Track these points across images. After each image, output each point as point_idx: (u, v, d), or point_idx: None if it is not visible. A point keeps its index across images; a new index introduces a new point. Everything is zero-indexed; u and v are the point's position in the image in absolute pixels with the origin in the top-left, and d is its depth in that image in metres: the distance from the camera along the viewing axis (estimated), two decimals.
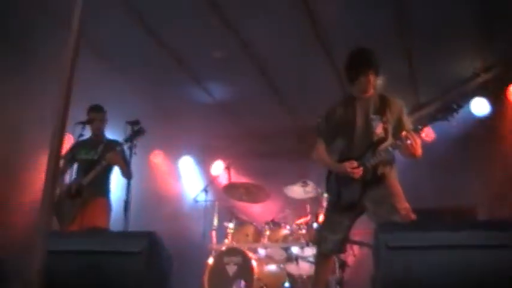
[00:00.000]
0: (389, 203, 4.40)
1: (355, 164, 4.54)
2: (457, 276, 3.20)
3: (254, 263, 6.33)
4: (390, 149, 4.48)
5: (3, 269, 4.78)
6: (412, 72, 7.49)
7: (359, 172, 4.51)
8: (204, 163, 9.71)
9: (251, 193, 7.61)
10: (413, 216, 4.31)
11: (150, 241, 3.77)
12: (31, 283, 3.01)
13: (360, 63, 4.61)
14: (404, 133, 4.43)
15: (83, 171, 5.79)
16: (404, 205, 4.41)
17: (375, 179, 4.51)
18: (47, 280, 3.04)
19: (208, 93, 8.28)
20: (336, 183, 4.70)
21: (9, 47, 6.21)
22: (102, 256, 3.80)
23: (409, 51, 7.04)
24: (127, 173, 5.54)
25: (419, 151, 4.46)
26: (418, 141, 4.40)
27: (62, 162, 5.95)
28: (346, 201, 4.61)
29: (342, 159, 4.71)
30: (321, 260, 4.87)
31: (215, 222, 7.50)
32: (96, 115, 6.04)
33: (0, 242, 5.74)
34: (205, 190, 7.96)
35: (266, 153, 9.33)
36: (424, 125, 4.45)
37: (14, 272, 4.48)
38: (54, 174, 3.33)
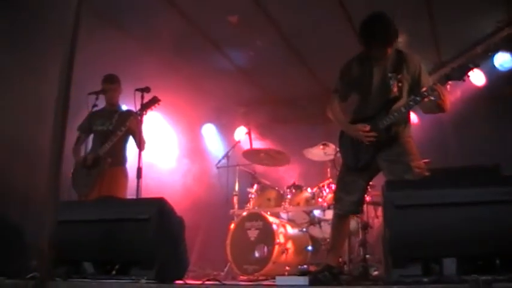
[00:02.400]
0: (403, 161, 4.34)
1: (367, 127, 4.46)
2: (464, 233, 3.15)
3: (275, 228, 6.32)
4: (403, 109, 4.39)
5: (23, 240, 4.87)
6: (433, 30, 7.31)
7: (370, 138, 4.43)
8: (226, 129, 9.71)
9: (272, 157, 7.59)
10: (427, 174, 4.24)
11: (160, 208, 3.80)
12: (43, 252, 3.08)
13: (372, 36, 4.41)
14: (425, 88, 4.33)
15: (99, 141, 5.81)
16: (418, 163, 4.34)
17: (388, 139, 4.43)
18: (60, 249, 3.10)
19: (229, 59, 8.25)
20: (349, 143, 4.63)
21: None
22: (112, 224, 3.85)
23: (430, 9, 6.87)
24: (141, 143, 5.53)
25: (446, 105, 4.37)
26: (446, 94, 4.30)
27: (77, 133, 6.01)
28: (359, 161, 4.55)
29: (356, 118, 4.64)
30: (337, 221, 4.82)
31: (237, 187, 7.52)
32: (110, 85, 6.01)
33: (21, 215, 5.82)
34: (227, 156, 7.97)
35: (288, 117, 9.29)
36: (443, 84, 4.33)
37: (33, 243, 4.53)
38: (61, 145, 3.37)
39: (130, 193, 5.69)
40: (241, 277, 6.26)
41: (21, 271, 4.37)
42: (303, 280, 3.78)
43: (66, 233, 3.42)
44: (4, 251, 4.31)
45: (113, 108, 6.08)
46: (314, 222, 6.90)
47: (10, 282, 3.79)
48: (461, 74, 4.25)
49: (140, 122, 5.55)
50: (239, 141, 8.19)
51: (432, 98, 4.30)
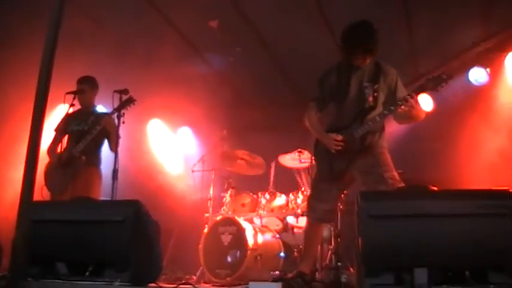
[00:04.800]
0: (377, 172, 4.41)
1: (339, 137, 4.52)
2: (436, 244, 3.22)
3: (248, 233, 6.34)
4: (378, 118, 4.46)
5: None
6: (411, 43, 7.42)
7: (338, 147, 4.49)
8: (201, 133, 9.71)
9: (248, 163, 7.61)
10: (400, 185, 4.31)
11: (135, 209, 3.80)
12: (16, 251, 3.06)
13: (355, 42, 4.52)
14: (400, 97, 4.41)
15: (73, 141, 5.78)
16: (391, 174, 4.41)
17: (362, 149, 4.50)
18: (34, 248, 3.08)
19: (208, 63, 8.26)
20: (324, 151, 4.69)
21: None
22: (87, 225, 3.85)
23: (408, 22, 6.97)
24: (115, 145, 5.51)
25: (421, 114, 4.47)
26: (419, 105, 4.42)
27: (53, 135, 5.99)
28: (333, 170, 4.61)
29: (332, 127, 4.71)
30: (309, 228, 4.88)
31: (211, 191, 7.53)
32: (86, 86, 6.01)
33: None
34: (203, 160, 7.99)
35: (265, 124, 9.32)
36: (418, 94, 4.43)
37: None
38: (36, 145, 3.36)
39: (104, 195, 5.68)
40: (213, 281, 6.26)
41: None
42: (276, 286, 3.82)
43: (40, 232, 3.40)
44: None
45: (89, 109, 6.07)
46: (287, 228, 6.95)
47: None
48: (435, 84, 4.36)
49: (116, 123, 5.53)
50: (215, 145, 8.19)
51: (405, 108, 4.38)
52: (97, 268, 3.67)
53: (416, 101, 4.38)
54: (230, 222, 6.57)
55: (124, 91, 5.50)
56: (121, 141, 5.53)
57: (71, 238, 3.75)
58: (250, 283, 4.10)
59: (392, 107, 4.42)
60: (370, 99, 4.57)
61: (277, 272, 6.33)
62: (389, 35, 6.01)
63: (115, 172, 5.14)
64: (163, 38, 7.28)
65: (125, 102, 5.51)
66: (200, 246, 6.57)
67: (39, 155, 3.37)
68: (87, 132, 5.72)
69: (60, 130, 5.95)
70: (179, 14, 6.84)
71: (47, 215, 3.86)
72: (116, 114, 5.49)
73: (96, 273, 3.65)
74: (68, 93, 5.75)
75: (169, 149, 9.55)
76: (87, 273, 3.64)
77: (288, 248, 6.81)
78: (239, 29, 7.24)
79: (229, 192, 7.31)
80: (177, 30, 7.30)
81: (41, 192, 5.51)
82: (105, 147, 5.94)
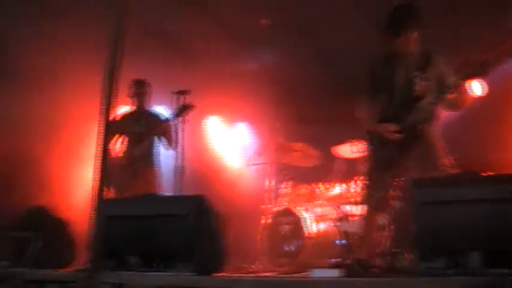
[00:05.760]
0: (429, 159, 4.49)
1: (392, 127, 4.61)
2: (487, 228, 3.32)
3: (305, 223, 6.52)
4: (428, 106, 4.53)
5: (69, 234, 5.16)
6: (458, 28, 7.38)
7: (395, 136, 4.58)
8: (257, 127, 9.86)
9: (303, 154, 7.76)
10: (452, 172, 4.39)
11: (198, 204, 4.02)
12: (94, 245, 3.31)
13: (402, 19, 4.59)
14: (449, 85, 4.47)
15: (133, 142, 6.05)
16: (444, 161, 4.49)
17: (414, 137, 4.58)
18: (108, 242, 3.33)
19: (260, 60, 8.43)
20: (377, 141, 4.79)
21: None
22: (154, 219, 4.10)
23: (456, 6, 6.94)
24: (172, 146, 5.74)
25: (469, 101, 4.52)
26: (466, 91, 4.46)
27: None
28: (387, 159, 4.71)
29: (383, 117, 4.79)
30: (367, 216, 5.01)
31: (268, 183, 7.72)
32: (143, 88, 6.28)
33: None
34: (259, 153, 8.17)
35: (319, 115, 9.41)
36: (466, 80, 4.48)
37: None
38: (105, 146, 3.61)
39: (168, 190, 5.93)
40: (272, 270, 6.45)
41: (68, 263, 4.67)
42: (335, 272, 3.98)
43: (113, 227, 3.67)
44: (53, 244, 4.60)
45: (145, 110, 6.33)
46: (343, 217, 7.07)
47: (61, 273, 4.06)
48: (482, 70, 4.39)
49: (172, 123, 5.76)
50: (270, 139, 8.34)
51: (454, 96, 4.44)
52: (165, 260, 3.91)
53: (464, 88, 4.43)
54: (287, 212, 6.77)
55: (182, 92, 5.73)
56: (180, 139, 5.76)
57: (140, 232, 4.00)
58: (312, 270, 4.27)
59: (441, 95, 4.48)
60: (419, 87, 4.62)
61: (333, 260, 6.47)
62: (435, 21, 6.02)
63: (178, 168, 5.38)
64: (216, 38, 7.46)
65: (184, 109, 5.72)
66: (259, 236, 6.78)
67: (107, 155, 3.63)
68: (145, 133, 5.98)
69: (117, 130, 6.24)
70: (230, 12, 7.03)
71: (118, 211, 4.13)
72: (174, 117, 5.72)
73: (164, 264, 3.89)
74: (128, 95, 6.03)
75: (227, 144, 9.75)
76: (156, 265, 3.89)
77: (344, 235, 6.94)
78: (288, 26, 7.36)
79: (285, 183, 7.49)
80: (229, 28, 7.46)
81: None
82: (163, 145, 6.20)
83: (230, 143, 9.78)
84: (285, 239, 6.61)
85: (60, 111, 6.74)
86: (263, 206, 7.47)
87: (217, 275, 3.93)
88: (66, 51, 6.52)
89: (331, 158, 7.66)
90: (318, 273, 4.27)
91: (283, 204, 7.25)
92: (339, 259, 6.44)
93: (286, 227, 6.67)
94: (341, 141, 7.43)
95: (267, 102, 8.68)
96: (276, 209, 7.05)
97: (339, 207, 7.16)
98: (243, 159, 9.09)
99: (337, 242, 6.78)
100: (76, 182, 6.97)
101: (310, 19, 7.21)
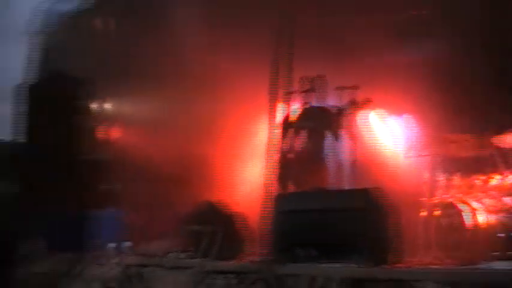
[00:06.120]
0: None
1: None
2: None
3: (465, 215, 6.45)
4: None
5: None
6: None
7: None
8: (419, 119, 9.73)
9: (462, 145, 7.61)
10: None
11: (367, 198, 4.18)
12: (273, 238, 3.58)
13: None
14: None
15: (305, 138, 6.28)
16: None
17: None
18: (276, 236, 3.60)
19: (420, 51, 8.39)
20: None
21: None
22: (325, 213, 4.31)
23: None
24: (343, 140, 5.89)
25: None
26: None
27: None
28: None
29: None
30: None
31: (430, 175, 7.65)
32: (314, 84, 6.50)
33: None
34: (416, 145, 8.11)
35: (478, 105, 9.14)
36: None
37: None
38: (275, 142, 3.88)
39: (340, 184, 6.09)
40: (434, 263, 6.43)
41: (236, 255, 5.03)
42: None
43: (288, 221, 3.94)
44: (226, 236, 4.99)
45: (314, 106, 6.53)
46: (506, 208, 6.88)
47: (234, 264, 4.40)
48: None
49: (342, 118, 5.90)
50: (430, 131, 8.23)
51: None
52: (338, 251, 4.11)
53: None
54: (448, 205, 6.71)
55: (351, 87, 5.87)
56: (352, 134, 5.87)
57: (314, 225, 4.23)
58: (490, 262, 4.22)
59: None
60: None
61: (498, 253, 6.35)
62: None
63: (351, 162, 5.51)
64: (378, 31, 7.55)
65: (361, 104, 5.84)
66: (420, 229, 6.78)
67: (279, 151, 3.89)
68: (314, 129, 6.19)
69: (285, 126, 6.48)
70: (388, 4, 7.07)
71: (293, 205, 4.39)
72: (344, 111, 5.87)
73: (338, 256, 4.09)
74: (299, 92, 6.27)
75: (390, 137, 9.71)
76: (329, 256, 4.10)
77: (507, 229, 6.76)
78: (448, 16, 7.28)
79: (447, 175, 7.40)
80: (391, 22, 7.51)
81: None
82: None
83: (394, 136, 9.73)
84: (445, 233, 6.56)
85: (222, 112, 7.15)
86: (424, 199, 7.43)
87: (388, 266, 4.04)
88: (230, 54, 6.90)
89: (493, 148, 7.45)
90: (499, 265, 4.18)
91: (444, 196, 7.19)
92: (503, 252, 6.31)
93: (447, 220, 6.62)
94: (503, 131, 7.21)
95: (430, 93, 8.59)
96: (437, 201, 7.01)
97: (501, 198, 6.98)
98: (407, 152, 9.03)
99: (501, 235, 6.62)
100: (240, 178, 7.35)
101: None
